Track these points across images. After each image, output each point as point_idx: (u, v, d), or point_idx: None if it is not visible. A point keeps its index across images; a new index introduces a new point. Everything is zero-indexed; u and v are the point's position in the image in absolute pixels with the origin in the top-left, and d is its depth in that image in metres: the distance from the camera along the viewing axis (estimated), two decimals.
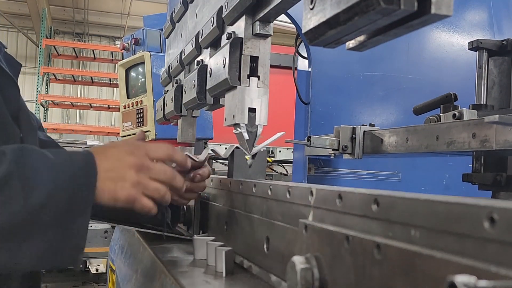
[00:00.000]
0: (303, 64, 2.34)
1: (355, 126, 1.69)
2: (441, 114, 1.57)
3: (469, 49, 1.76)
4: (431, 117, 1.59)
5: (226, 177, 1.39)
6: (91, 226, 1.64)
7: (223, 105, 1.26)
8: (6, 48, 1.41)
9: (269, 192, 1.02)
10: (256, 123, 1.13)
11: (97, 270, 6.44)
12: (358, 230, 0.67)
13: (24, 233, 0.93)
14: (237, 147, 1.27)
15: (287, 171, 4.04)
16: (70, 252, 1.00)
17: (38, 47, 11.62)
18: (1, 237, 0.91)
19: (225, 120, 1.20)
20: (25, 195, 0.92)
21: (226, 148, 1.35)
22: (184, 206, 1.60)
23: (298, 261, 0.72)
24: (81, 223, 1.01)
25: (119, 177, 1.07)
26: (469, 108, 1.61)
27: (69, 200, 0.98)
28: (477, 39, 1.74)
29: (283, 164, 4.06)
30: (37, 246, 0.95)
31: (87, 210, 1.01)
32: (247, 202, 1.16)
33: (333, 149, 1.70)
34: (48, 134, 1.74)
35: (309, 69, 2.27)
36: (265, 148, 1.29)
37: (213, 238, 1.28)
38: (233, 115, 1.14)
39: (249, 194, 1.14)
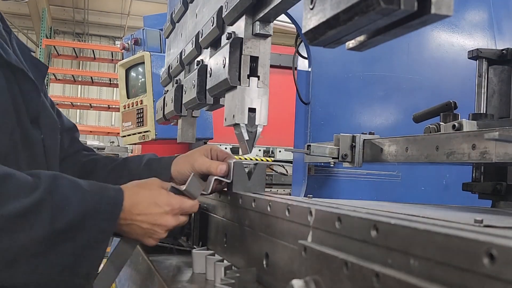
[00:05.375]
0: (303, 64, 2.33)
1: (354, 135, 1.70)
2: (441, 123, 1.58)
3: (468, 58, 1.75)
4: (430, 126, 1.60)
5: (225, 188, 1.39)
6: None
7: (223, 105, 1.26)
8: (34, 52, 1.46)
9: (269, 209, 1.02)
10: (256, 123, 1.13)
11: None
12: (357, 255, 0.67)
13: (41, 256, 0.99)
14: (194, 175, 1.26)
15: (287, 171, 4.03)
16: (80, 280, 1.05)
17: (38, 47, 11.61)
18: (21, 256, 0.97)
19: (225, 120, 1.19)
20: (52, 221, 0.99)
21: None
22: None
23: (297, 285, 0.72)
24: (96, 255, 1.06)
25: (151, 231, 1.15)
26: (469, 118, 1.61)
27: (89, 230, 1.03)
28: (477, 48, 1.73)
29: (283, 164, 4.05)
30: (51, 267, 1.00)
31: (103, 245, 1.06)
32: (246, 217, 1.16)
33: (333, 158, 1.71)
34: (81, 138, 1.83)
35: (309, 69, 2.26)
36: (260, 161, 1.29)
37: (212, 252, 1.27)
38: (233, 115, 1.14)
39: (249, 209, 1.14)
